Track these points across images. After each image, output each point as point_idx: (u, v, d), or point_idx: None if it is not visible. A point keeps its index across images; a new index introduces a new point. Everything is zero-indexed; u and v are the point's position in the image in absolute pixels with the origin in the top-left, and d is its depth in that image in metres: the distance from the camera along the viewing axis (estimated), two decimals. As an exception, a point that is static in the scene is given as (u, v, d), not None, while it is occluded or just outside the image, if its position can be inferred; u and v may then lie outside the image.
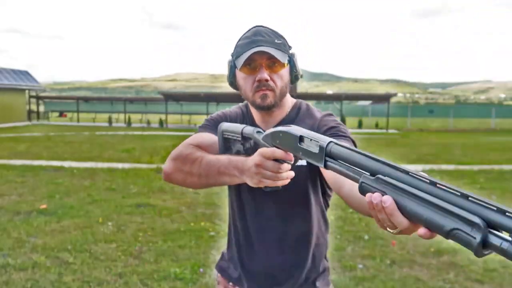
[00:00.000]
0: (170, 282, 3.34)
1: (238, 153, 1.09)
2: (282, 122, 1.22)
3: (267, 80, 1.12)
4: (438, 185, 0.53)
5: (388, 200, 0.57)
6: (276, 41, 1.13)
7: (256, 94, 1.14)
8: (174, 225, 4.82)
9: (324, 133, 1.10)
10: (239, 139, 1.07)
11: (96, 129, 21.47)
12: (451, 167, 9.45)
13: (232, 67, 1.19)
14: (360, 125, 26.11)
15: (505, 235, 0.47)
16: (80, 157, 10.27)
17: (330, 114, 1.24)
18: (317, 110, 1.28)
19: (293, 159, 0.88)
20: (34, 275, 3.40)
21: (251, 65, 1.13)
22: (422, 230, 0.55)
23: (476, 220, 0.48)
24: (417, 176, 0.56)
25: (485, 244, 0.48)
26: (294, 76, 1.19)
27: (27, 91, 28.04)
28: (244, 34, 1.18)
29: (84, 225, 4.76)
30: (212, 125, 1.26)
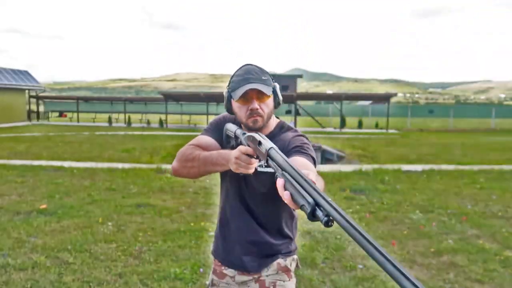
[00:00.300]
0: (170, 282, 3.34)
1: (232, 146, 1.46)
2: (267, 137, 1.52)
3: (257, 109, 1.43)
4: (305, 178, 0.92)
5: (287, 194, 0.95)
6: (263, 77, 1.44)
7: (249, 119, 1.45)
8: (174, 225, 4.82)
9: (291, 149, 1.44)
10: (233, 137, 1.46)
11: (96, 129, 21.46)
12: (451, 167, 9.45)
13: (229, 97, 1.49)
14: (360, 125, 26.07)
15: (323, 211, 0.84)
16: (80, 157, 10.28)
17: (301, 136, 1.52)
18: (293, 130, 1.57)
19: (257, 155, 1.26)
20: (34, 275, 3.40)
21: (245, 97, 1.42)
22: (291, 203, 0.94)
23: (310, 200, 0.86)
24: (300, 174, 0.95)
25: (313, 214, 0.84)
26: (277, 103, 1.51)
27: (27, 91, 28.04)
28: (237, 71, 1.48)
29: (84, 225, 4.76)
30: (212, 129, 1.59)
